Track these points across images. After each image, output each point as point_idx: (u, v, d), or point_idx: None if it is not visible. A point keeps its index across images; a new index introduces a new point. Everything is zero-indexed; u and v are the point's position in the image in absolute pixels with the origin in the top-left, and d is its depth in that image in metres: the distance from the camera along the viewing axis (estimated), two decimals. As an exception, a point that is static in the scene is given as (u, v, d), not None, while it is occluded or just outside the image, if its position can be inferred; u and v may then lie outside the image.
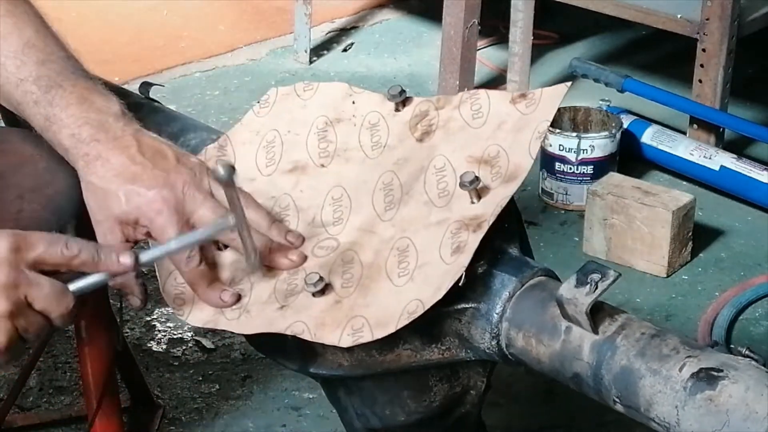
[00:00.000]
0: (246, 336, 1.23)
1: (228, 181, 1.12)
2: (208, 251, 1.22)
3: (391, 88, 1.32)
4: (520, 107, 1.24)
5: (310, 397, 2.19)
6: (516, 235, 1.21)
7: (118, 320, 1.84)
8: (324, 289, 1.16)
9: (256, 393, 2.23)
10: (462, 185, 1.18)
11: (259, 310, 1.18)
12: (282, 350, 1.21)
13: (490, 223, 1.14)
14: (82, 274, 1.12)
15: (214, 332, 2.40)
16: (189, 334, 2.40)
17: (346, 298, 1.16)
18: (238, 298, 1.20)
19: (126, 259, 1.12)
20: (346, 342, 1.12)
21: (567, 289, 1.07)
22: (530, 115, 1.22)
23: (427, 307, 1.11)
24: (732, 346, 2.35)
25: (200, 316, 1.21)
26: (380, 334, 1.11)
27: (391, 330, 1.11)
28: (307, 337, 1.14)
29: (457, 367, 1.20)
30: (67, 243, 1.10)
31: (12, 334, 1.07)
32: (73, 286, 1.11)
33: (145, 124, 1.42)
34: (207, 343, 2.36)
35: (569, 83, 1.27)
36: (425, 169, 1.25)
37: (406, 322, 1.11)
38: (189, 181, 1.21)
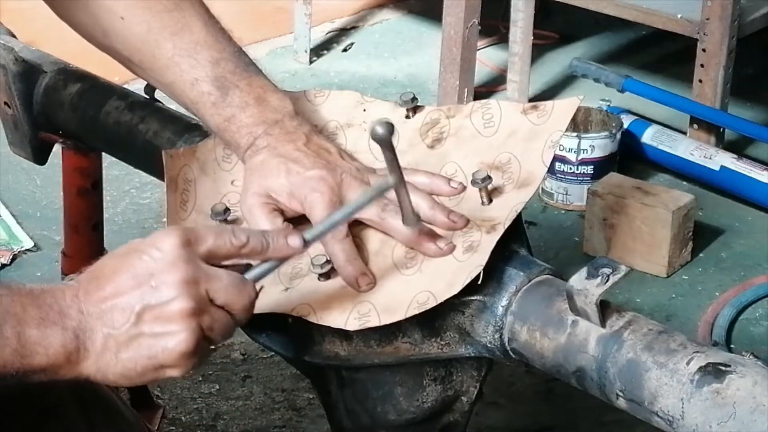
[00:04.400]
0: None
1: (386, 140, 1.08)
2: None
3: (403, 94, 1.33)
4: (532, 118, 1.25)
5: (310, 397, 2.19)
6: (524, 237, 1.22)
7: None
8: (330, 272, 1.17)
9: (256, 393, 2.23)
10: (474, 182, 1.19)
11: (263, 291, 1.18)
12: (278, 337, 1.21)
13: (506, 226, 1.15)
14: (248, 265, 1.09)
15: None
16: (189, 334, 2.39)
17: None
18: (453, 248, 1.17)
19: (295, 241, 1.07)
20: (352, 325, 1.12)
21: (578, 280, 1.07)
22: (542, 126, 1.24)
23: (440, 300, 1.11)
24: (732, 346, 2.35)
25: None
26: (387, 320, 1.12)
27: (400, 317, 1.11)
28: (313, 319, 1.14)
29: (452, 368, 1.21)
30: (234, 232, 1.06)
31: (198, 334, 1.02)
32: (249, 276, 1.07)
33: (148, 123, 1.43)
34: (207, 343, 2.36)
35: (582, 96, 1.27)
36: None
37: (416, 311, 1.11)
38: (349, 171, 1.22)
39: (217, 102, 1.25)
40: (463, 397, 1.22)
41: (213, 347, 1.05)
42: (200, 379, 2.26)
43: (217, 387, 2.25)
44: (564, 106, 1.24)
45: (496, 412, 2.18)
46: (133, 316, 1.01)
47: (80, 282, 1.03)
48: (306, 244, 1.08)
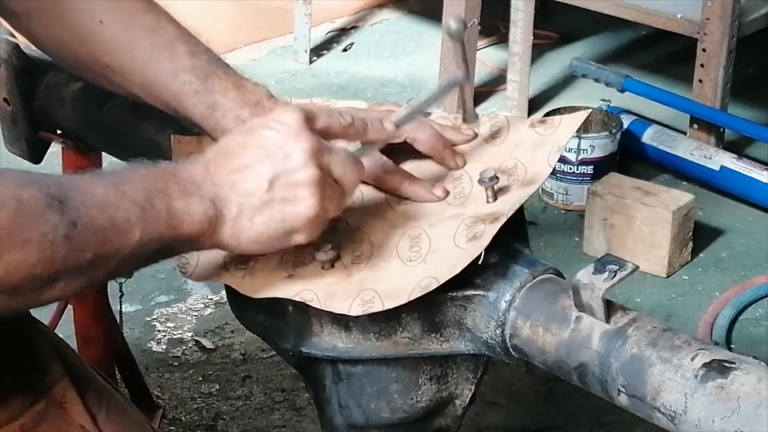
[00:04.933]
0: (238, 314, 1.25)
1: (458, 35, 1.22)
2: None
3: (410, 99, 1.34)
4: (539, 130, 1.27)
5: (310, 397, 2.19)
6: (527, 238, 1.23)
7: (118, 320, 1.84)
8: (334, 261, 1.18)
9: (256, 393, 2.23)
10: (481, 181, 1.20)
11: (266, 275, 1.19)
12: (276, 328, 1.21)
13: (508, 216, 1.16)
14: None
15: (214, 332, 2.40)
16: (189, 334, 2.40)
17: (357, 273, 1.17)
18: (447, 193, 1.25)
19: (389, 125, 1.20)
20: (356, 311, 1.13)
21: (584, 275, 1.07)
22: (549, 137, 1.25)
23: (442, 281, 1.12)
24: (732, 346, 2.35)
25: (203, 273, 1.22)
26: (391, 304, 1.12)
27: (403, 301, 1.12)
28: (316, 305, 1.14)
29: (448, 368, 1.21)
30: (341, 113, 1.16)
31: (320, 203, 1.10)
32: (355, 155, 1.17)
33: (149, 122, 1.43)
34: (207, 343, 2.36)
35: (590, 109, 1.33)
36: (442, 178, 1.27)
37: (420, 294, 1.12)
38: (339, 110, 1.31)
39: (199, 90, 1.28)
40: (456, 401, 1.23)
41: (329, 217, 1.13)
42: (200, 379, 2.27)
43: (217, 387, 2.25)
44: (571, 119, 1.26)
45: (496, 412, 2.19)
46: (266, 183, 1.09)
47: (208, 158, 1.11)
48: (397, 126, 1.21)
